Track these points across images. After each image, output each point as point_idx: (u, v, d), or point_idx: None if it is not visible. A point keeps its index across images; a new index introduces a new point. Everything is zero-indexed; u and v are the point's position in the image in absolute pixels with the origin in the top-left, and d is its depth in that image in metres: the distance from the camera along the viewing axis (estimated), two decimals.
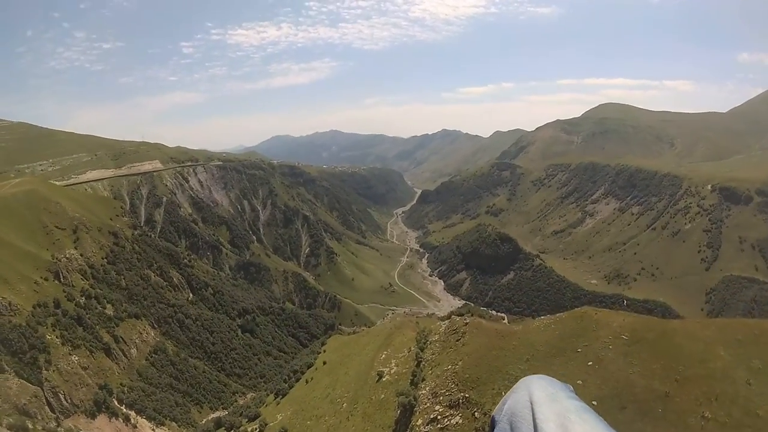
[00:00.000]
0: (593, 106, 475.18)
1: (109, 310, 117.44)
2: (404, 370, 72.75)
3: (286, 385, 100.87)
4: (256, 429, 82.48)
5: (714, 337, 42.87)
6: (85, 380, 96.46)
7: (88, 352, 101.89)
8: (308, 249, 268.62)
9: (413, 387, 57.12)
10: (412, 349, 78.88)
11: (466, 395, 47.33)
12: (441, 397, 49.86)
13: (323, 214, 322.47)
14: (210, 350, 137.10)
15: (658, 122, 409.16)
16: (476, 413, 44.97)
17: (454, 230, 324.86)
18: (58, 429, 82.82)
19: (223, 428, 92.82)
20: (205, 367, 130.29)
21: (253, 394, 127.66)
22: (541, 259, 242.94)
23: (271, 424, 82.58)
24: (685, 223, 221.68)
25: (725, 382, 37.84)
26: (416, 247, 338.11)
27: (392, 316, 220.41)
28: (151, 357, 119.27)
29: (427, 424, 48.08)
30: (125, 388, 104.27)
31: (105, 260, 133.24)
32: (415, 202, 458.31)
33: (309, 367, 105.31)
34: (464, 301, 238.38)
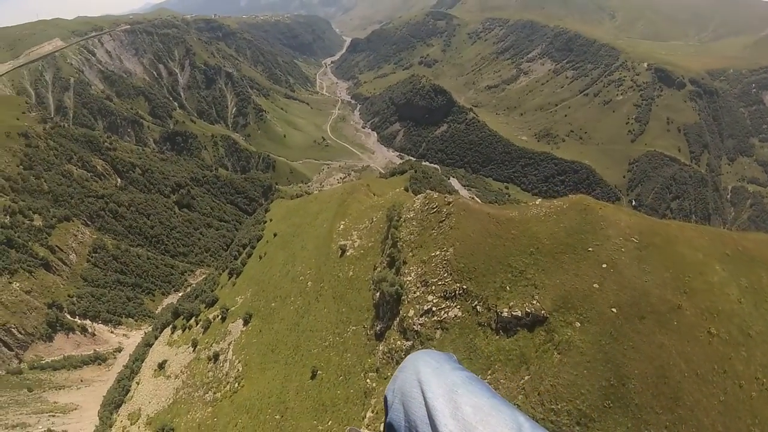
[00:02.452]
0: None
1: (38, 221, 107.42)
2: (370, 244, 69.67)
3: (239, 262, 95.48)
4: (218, 316, 77.95)
5: (709, 248, 42.83)
6: (32, 305, 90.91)
7: (27, 274, 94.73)
8: (235, 109, 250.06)
9: (393, 271, 54.00)
10: (375, 219, 75.32)
11: (464, 286, 45.08)
12: (433, 287, 47.49)
13: (247, 69, 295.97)
14: (149, 234, 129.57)
15: None
16: (478, 307, 43.14)
17: (387, 81, 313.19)
18: (21, 366, 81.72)
19: (182, 318, 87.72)
20: (148, 254, 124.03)
21: (202, 270, 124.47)
22: (474, 113, 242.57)
23: (233, 309, 78.18)
24: (618, 95, 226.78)
25: (722, 299, 38.32)
26: (347, 98, 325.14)
27: (327, 171, 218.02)
28: (92, 257, 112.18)
29: (421, 316, 46.02)
30: (74, 299, 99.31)
31: (21, 167, 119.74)
32: (344, 51, 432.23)
33: (258, 240, 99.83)
34: (398, 153, 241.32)
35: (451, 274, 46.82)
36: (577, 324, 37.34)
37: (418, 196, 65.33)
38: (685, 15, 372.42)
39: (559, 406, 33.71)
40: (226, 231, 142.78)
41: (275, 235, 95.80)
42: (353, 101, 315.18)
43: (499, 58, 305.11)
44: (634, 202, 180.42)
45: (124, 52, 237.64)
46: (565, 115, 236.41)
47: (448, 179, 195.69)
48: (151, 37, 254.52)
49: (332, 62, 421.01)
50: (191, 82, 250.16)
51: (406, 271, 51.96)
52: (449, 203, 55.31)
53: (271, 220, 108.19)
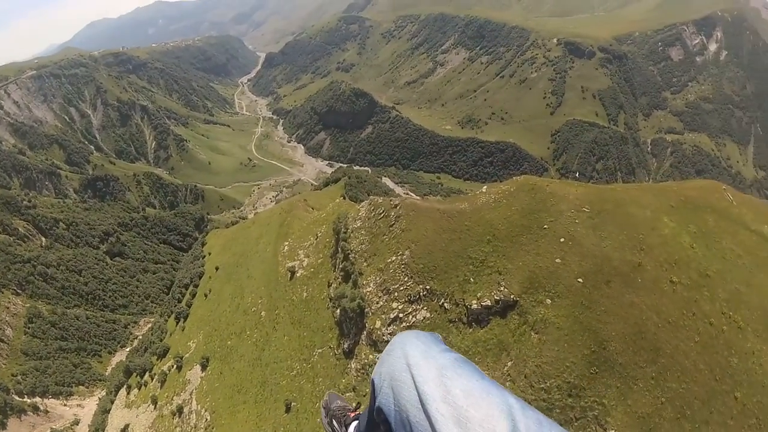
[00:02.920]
0: None
1: None
2: (319, 261, 66.99)
3: (184, 304, 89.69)
4: (173, 366, 72.24)
5: (655, 204, 44.10)
6: None
7: None
8: (154, 143, 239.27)
9: (351, 285, 51.72)
10: (320, 234, 72.70)
11: (427, 287, 43.58)
12: (396, 293, 45.62)
13: (162, 99, 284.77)
14: (84, 292, 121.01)
15: None
16: (446, 304, 41.84)
17: (306, 91, 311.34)
18: None
19: (136, 375, 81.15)
20: (87, 313, 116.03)
21: (147, 320, 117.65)
22: (397, 111, 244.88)
23: (187, 355, 72.68)
24: (532, 72, 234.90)
25: (677, 248, 39.66)
26: (269, 114, 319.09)
27: (258, 191, 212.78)
28: (29, 328, 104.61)
29: (389, 325, 44.04)
30: (19, 377, 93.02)
31: None
32: (260, 67, 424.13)
33: (200, 277, 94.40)
34: (327, 162, 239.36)
35: (411, 277, 45.19)
36: (548, 301, 37.22)
37: (362, 203, 63.29)
38: None
39: (548, 384, 33.76)
40: (164, 273, 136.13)
41: (217, 268, 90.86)
42: (275, 116, 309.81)
43: (414, 53, 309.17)
44: (578, 174, 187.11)
45: (33, 99, 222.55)
46: (485, 99, 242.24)
47: (381, 179, 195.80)
48: (59, 80, 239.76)
49: (249, 80, 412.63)
50: (105, 122, 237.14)
51: (364, 282, 49.79)
52: (396, 206, 53.52)
53: (209, 254, 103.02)
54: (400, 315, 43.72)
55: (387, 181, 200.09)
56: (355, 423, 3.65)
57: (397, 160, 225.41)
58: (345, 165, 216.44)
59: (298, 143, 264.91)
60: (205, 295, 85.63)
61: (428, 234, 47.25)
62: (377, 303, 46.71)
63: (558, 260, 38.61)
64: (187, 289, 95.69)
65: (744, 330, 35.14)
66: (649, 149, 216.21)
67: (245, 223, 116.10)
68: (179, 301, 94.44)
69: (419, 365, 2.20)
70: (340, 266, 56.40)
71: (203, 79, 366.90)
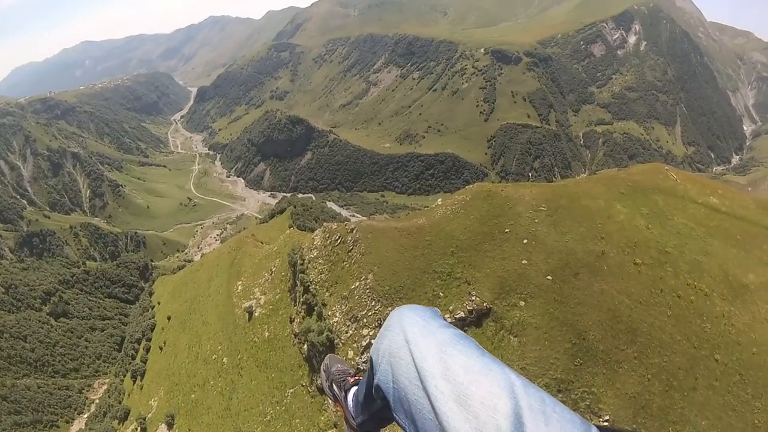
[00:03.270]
0: None
1: None
2: (277, 297, 64.19)
3: (138, 360, 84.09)
4: (136, 429, 66.48)
5: (606, 193, 45.15)
6: None
7: None
8: (89, 191, 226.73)
9: (315, 318, 49.35)
10: (274, 269, 69.90)
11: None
12: (365, 320, 43.85)
13: (94, 144, 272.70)
14: (32, 359, 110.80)
15: None
16: None
17: (242, 123, 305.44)
18: None
19: None
20: (38, 381, 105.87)
21: (101, 381, 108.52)
22: (335, 134, 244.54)
23: (150, 415, 67.27)
24: (463, 83, 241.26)
25: (634, 232, 40.68)
26: (205, 150, 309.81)
27: (202, 231, 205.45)
28: None
29: (363, 353, 42.04)
30: None
31: None
32: (192, 102, 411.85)
33: (152, 329, 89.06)
34: (269, 193, 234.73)
35: (378, 300, 43.56)
36: (521, 303, 37.14)
37: (316, 231, 61.19)
38: None
39: (535, 384, 33.05)
40: (112, 329, 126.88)
41: (169, 318, 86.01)
42: (212, 152, 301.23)
43: (347, 75, 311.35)
44: (531, 176, 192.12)
45: None
46: (420, 114, 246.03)
47: (326, 204, 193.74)
48: None
49: (182, 117, 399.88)
50: (36, 173, 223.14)
51: (329, 313, 47.68)
52: (352, 230, 51.91)
53: (159, 303, 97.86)
54: (373, 341, 41.84)
55: (332, 206, 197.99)
56: (354, 389, 3.55)
57: (340, 183, 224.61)
58: (288, 194, 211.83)
59: (238, 177, 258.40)
60: (161, 348, 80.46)
61: (390, 254, 45.93)
62: (346, 332, 44.70)
63: (524, 261, 38.42)
64: (140, 344, 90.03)
65: (710, 296, 36.38)
66: (581, 142, 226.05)
67: (193, 267, 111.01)
68: (133, 358, 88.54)
69: (418, 341, 2.09)
70: (301, 299, 53.97)
71: (135, 120, 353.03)
